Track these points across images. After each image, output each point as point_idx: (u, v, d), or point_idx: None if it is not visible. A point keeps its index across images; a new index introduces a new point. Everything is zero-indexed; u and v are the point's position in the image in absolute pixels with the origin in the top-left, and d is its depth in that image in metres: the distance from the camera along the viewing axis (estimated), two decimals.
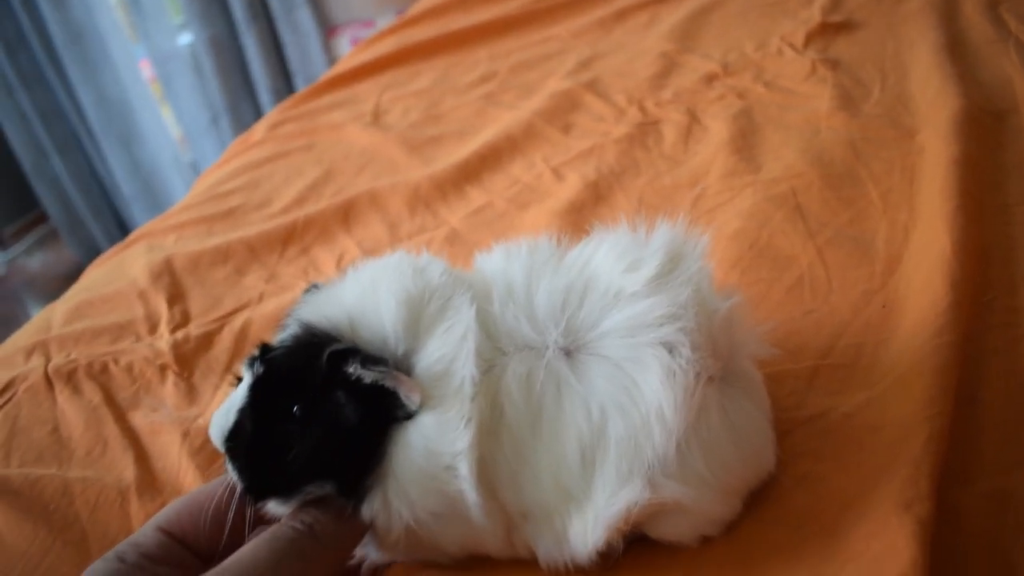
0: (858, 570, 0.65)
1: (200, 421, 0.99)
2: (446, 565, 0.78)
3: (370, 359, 0.66)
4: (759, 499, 0.74)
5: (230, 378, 1.06)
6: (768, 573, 0.69)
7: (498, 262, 0.76)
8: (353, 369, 0.65)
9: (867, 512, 0.70)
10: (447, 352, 0.67)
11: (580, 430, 0.66)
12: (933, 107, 1.30)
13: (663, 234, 0.73)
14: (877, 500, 0.70)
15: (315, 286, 0.77)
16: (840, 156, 1.25)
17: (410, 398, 0.66)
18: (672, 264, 0.70)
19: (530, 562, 0.73)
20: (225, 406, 0.70)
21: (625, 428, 0.65)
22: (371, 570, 0.80)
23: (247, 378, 0.70)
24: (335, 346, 0.66)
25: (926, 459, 0.72)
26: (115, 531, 0.89)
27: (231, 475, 0.69)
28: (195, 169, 3.80)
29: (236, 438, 0.69)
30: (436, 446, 0.66)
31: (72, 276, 1.44)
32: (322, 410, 0.66)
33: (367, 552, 0.79)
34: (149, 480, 0.94)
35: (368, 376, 0.65)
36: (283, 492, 0.68)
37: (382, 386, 0.65)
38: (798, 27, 1.73)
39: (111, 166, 3.74)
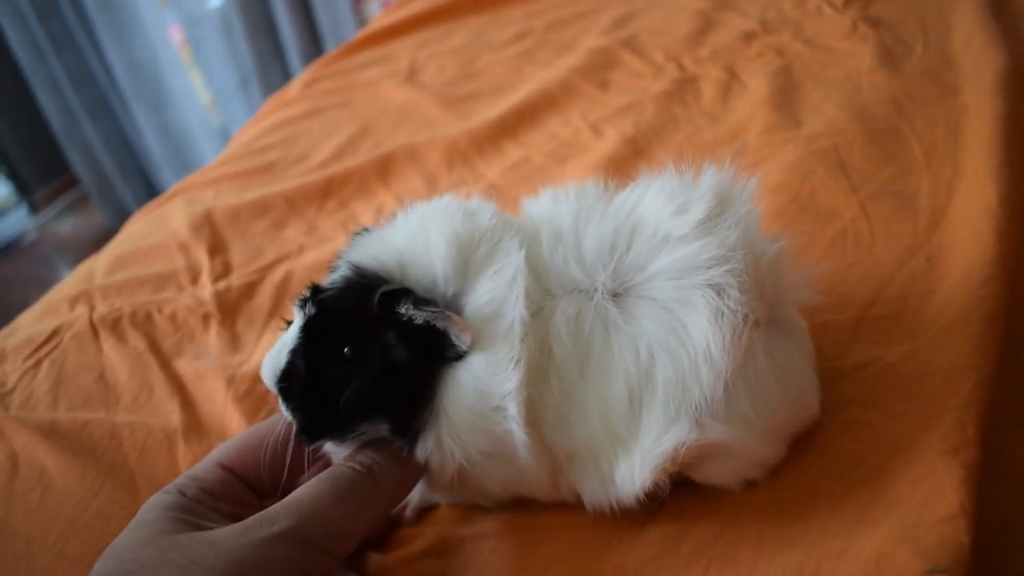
0: (905, 515, 0.65)
1: (244, 368, 1.01)
2: (489, 509, 0.79)
3: (421, 300, 0.66)
4: (805, 445, 0.75)
5: (278, 322, 1.07)
6: (813, 517, 0.70)
7: (546, 206, 0.76)
8: (405, 310, 0.65)
9: (914, 458, 0.70)
10: (497, 294, 0.67)
11: (628, 371, 0.66)
12: (976, 64, 1.28)
13: (711, 178, 0.73)
14: (924, 446, 0.70)
15: (366, 229, 0.77)
16: (882, 113, 1.24)
17: (461, 338, 0.66)
18: (720, 207, 0.70)
19: (574, 505, 0.74)
20: (276, 347, 0.71)
21: (673, 369, 0.65)
22: (415, 514, 0.82)
23: (298, 319, 0.70)
24: (387, 287, 0.67)
25: (972, 406, 0.72)
26: (162, 473, 0.90)
27: (285, 415, 0.70)
28: (225, 133, 3.81)
29: (289, 379, 0.70)
30: (486, 387, 0.66)
31: (102, 240, 1.46)
32: (373, 350, 0.67)
33: (411, 496, 0.81)
34: (195, 424, 0.96)
35: (419, 316, 0.65)
36: (337, 432, 0.69)
37: (433, 326, 0.66)
38: None
39: (141, 130, 3.75)
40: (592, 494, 0.71)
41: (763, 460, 0.72)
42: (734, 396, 0.66)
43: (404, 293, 0.66)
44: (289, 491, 0.66)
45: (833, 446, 0.75)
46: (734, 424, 0.66)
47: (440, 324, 0.65)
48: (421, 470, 0.70)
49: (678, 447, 0.65)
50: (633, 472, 0.67)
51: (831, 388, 0.78)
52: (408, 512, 0.82)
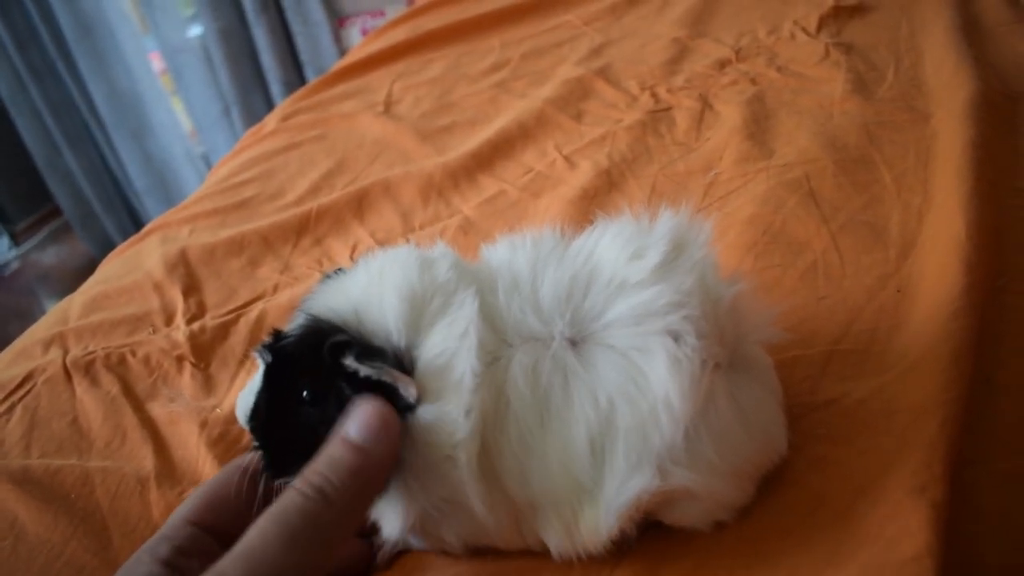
0: (872, 555, 0.65)
1: (218, 411, 1.00)
2: (458, 556, 0.78)
3: (367, 353, 0.66)
4: (773, 483, 0.74)
5: (254, 362, 1.07)
6: (782, 558, 0.69)
7: (503, 254, 0.76)
8: (349, 362, 0.65)
9: (881, 496, 0.69)
10: (449, 346, 0.67)
11: (588, 420, 0.66)
12: (948, 90, 1.29)
13: (667, 222, 0.73)
14: (891, 484, 0.70)
15: (340, 270, 0.78)
16: (854, 140, 1.24)
17: (408, 391, 0.66)
18: (676, 252, 0.70)
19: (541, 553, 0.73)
20: (249, 387, 0.72)
21: (633, 417, 0.65)
22: (387, 557, 0.81)
23: (260, 365, 0.71)
24: (335, 338, 0.67)
25: (941, 443, 0.71)
26: (135, 519, 0.90)
27: (256, 453, 0.71)
28: (207, 161, 3.81)
29: (256, 418, 0.71)
30: (434, 437, 0.66)
31: (85, 270, 1.45)
32: (330, 397, 0.68)
33: (383, 538, 0.80)
34: (168, 469, 0.95)
35: (363, 371, 0.65)
36: (299, 467, 0.67)
37: (380, 379, 0.66)
38: (811, 11, 1.72)
39: (123, 159, 3.75)
40: (558, 543, 0.70)
41: (731, 502, 0.72)
42: (696, 441, 0.65)
43: (348, 346, 0.66)
44: None
45: (801, 484, 0.74)
46: (698, 469, 0.66)
47: (386, 379, 0.66)
48: (381, 477, 0.65)
49: (642, 494, 0.65)
50: (599, 521, 0.67)
51: (799, 424, 0.78)
52: (380, 556, 0.81)
